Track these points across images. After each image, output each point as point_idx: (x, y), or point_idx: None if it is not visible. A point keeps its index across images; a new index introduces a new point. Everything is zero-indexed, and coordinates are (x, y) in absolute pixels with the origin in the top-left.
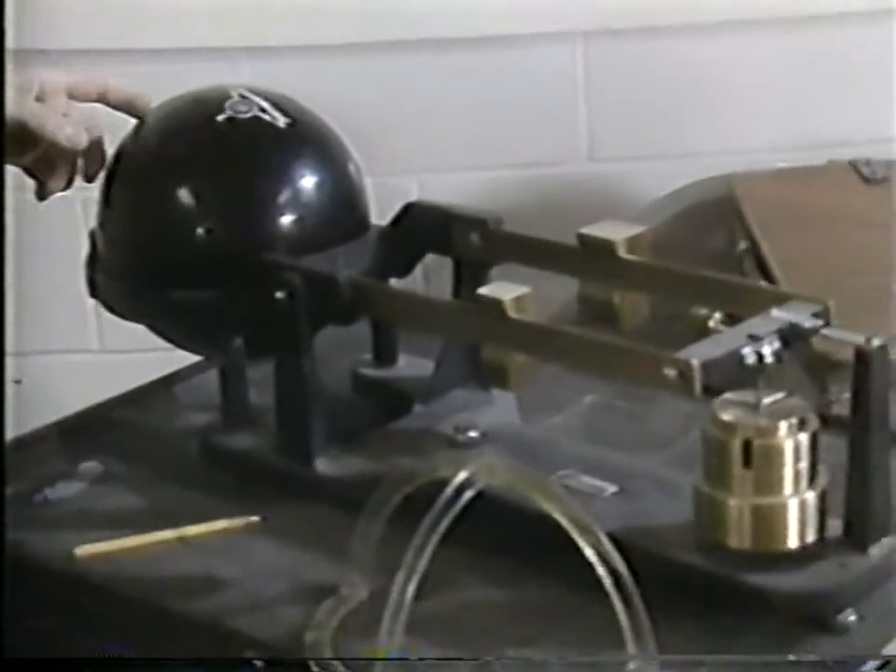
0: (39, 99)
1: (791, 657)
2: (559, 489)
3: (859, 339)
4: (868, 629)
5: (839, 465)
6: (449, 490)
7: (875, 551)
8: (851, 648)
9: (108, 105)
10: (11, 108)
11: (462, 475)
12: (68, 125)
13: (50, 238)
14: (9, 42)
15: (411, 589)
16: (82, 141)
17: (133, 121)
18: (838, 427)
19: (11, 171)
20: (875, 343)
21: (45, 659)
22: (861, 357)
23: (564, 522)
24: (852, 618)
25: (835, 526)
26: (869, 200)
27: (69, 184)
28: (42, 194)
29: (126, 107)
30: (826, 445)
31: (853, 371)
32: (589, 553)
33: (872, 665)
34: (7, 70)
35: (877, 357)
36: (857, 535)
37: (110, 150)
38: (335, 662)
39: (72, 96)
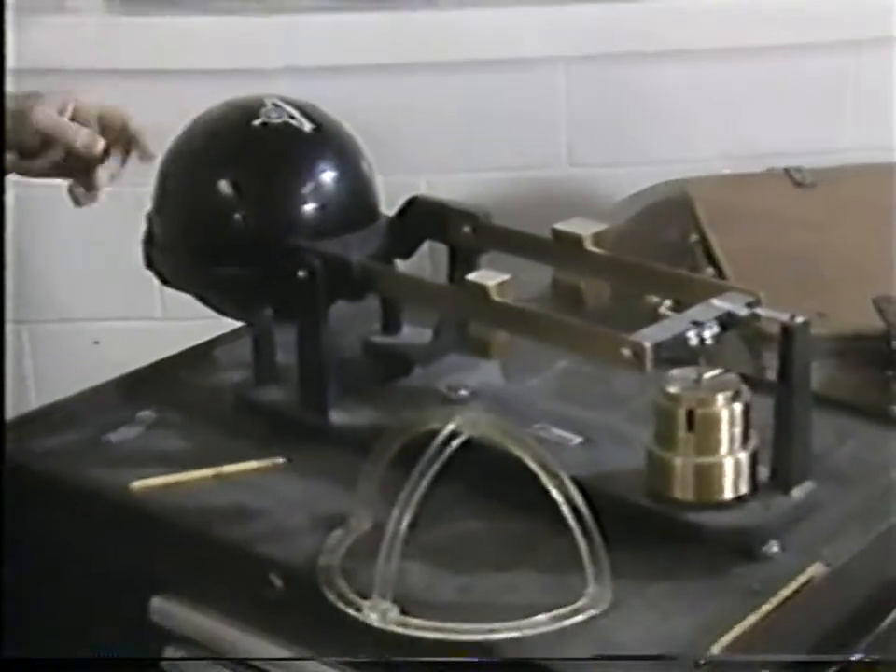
0: (72, 118)
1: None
2: (531, 440)
3: (785, 317)
4: (789, 558)
5: (769, 421)
6: (439, 440)
7: (797, 493)
8: (774, 574)
9: (126, 135)
10: (40, 118)
11: (450, 427)
12: (84, 132)
13: (125, 224)
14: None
15: (405, 521)
16: (98, 146)
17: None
18: (769, 389)
19: None
20: (799, 320)
21: (45, 659)
22: (787, 331)
23: (534, 466)
24: (775, 549)
25: (763, 472)
26: (800, 201)
27: (96, 185)
28: (75, 197)
29: (134, 143)
30: (759, 405)
31: (780, 343)
32: (554, 492)
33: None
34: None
35: (800, 331)
36: (781, 480)
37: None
38: (341, 582)
39: (101, 121)
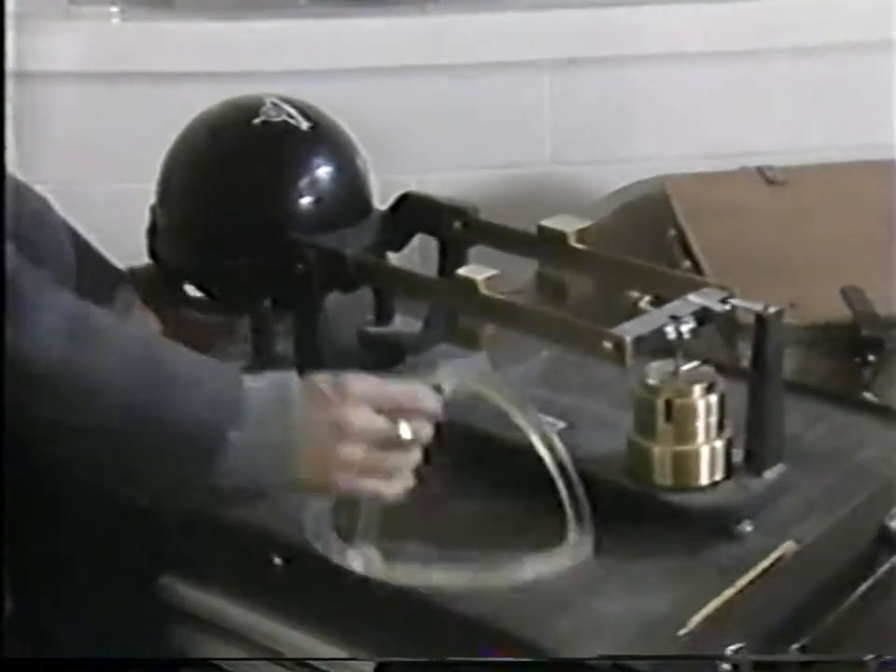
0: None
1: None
2: (513, 391)
3: (758, 307)
4: (761, 537)
5: (743, 406)
6: None
7: (769, 475)
8: (747, 552)
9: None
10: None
11: (432, 380)
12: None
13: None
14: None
15: None
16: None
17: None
18: (744, 376)
19: None
20: (771, 310)
21: (45, 659)
22: (760, 321)
23: (515, 413)
24: (748, 528)
25: (737, 455)
26: (771, 198)
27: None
28: None
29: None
30: (734, 390)
31: (754, 332)
32: (534, 438)
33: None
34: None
35: (772, 321)
36: (754, 462)
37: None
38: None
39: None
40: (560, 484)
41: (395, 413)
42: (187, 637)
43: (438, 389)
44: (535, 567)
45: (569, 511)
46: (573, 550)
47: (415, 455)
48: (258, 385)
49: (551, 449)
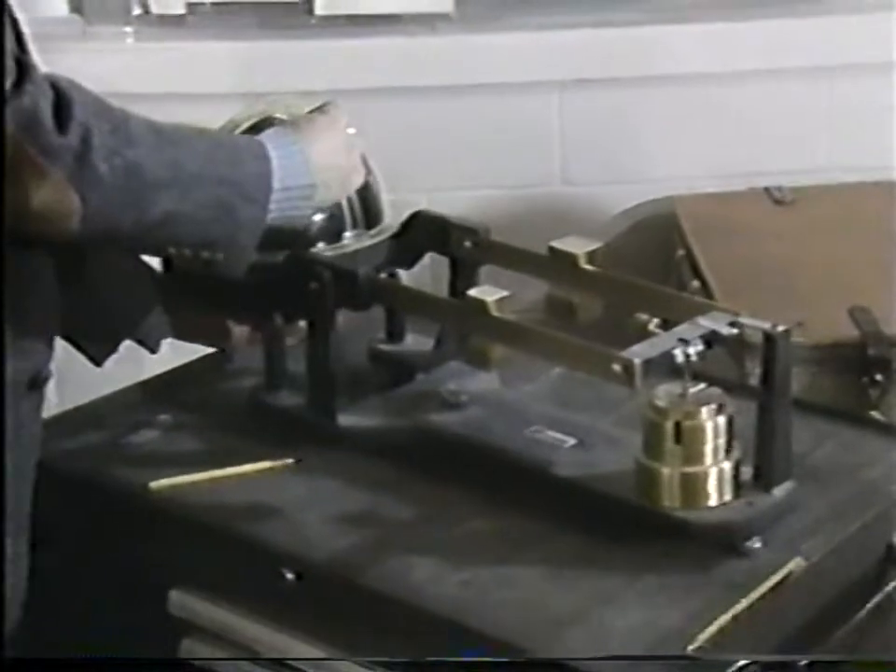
0: None
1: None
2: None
3: (767, 326)
4: (770, 553)
5: (752, 423)
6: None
7: (778, 492)
8: (756, 568)
9: None
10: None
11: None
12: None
13: None
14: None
15: None
16: None
17: None
18: (752, 394)
19: None
20: (779, 329)
21: (45, 659)
22: (769, 339)
23: None
24: (757, 545)
25: (747, 472)
26: (779, 218)
27: None
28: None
29: None
30: (743, 409)
31: (763, 351)
32: None
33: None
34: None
35: (781, 340)
36: (763, 479)
37: None
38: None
39: None
40: None
41: None
42: (193, 649)
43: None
44: None
45: None
46: None
47: None
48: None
49: None
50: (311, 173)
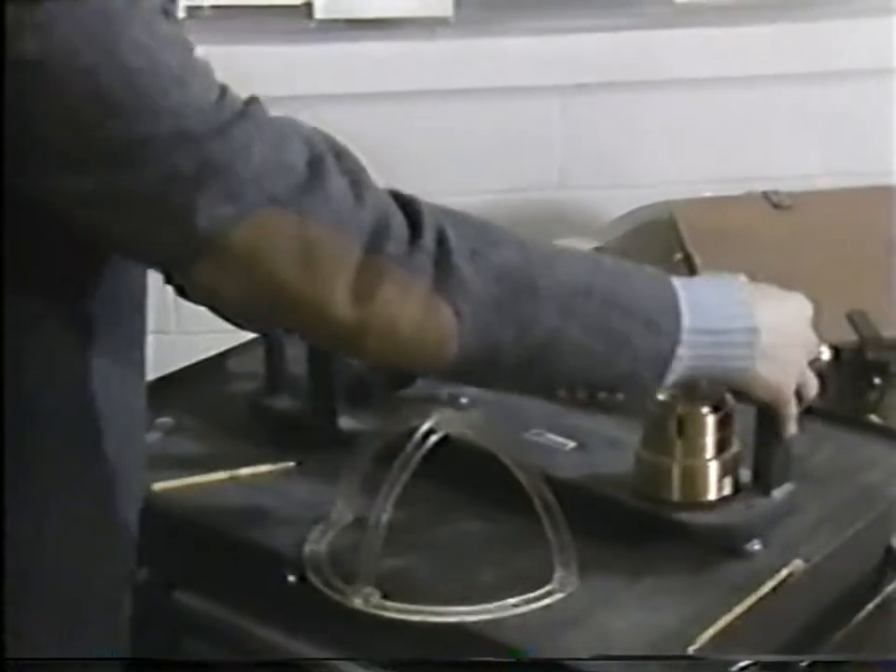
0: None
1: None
2: (505, 438)
3: None
4: (769, 556)
5: (751, 426)
6: (417, 436)
7: (777, 494)
8: (756, 570)
9: None
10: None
11: (427, 424)
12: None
13: None
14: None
15: (387, 513)
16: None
17: None
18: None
19: None
20: None
21: (45, 659)
22: None
23: (507, 462)
24: (757, 547)
25: (746, 475)
26: (777, 222)
27: None
28: None
29: None
30: (743, 411)
31: None
32: (521, 476)
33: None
34: None
35: None
36: (762, 481)
37: None
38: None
39: None
40: (546, 523)
41: None
42: (193, 649)
43: (432, 432)
44: (522, 607)
45: (555, 549)
46: (559, 587)
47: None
48: None
49: (541, 495)
50: (751, 316)
